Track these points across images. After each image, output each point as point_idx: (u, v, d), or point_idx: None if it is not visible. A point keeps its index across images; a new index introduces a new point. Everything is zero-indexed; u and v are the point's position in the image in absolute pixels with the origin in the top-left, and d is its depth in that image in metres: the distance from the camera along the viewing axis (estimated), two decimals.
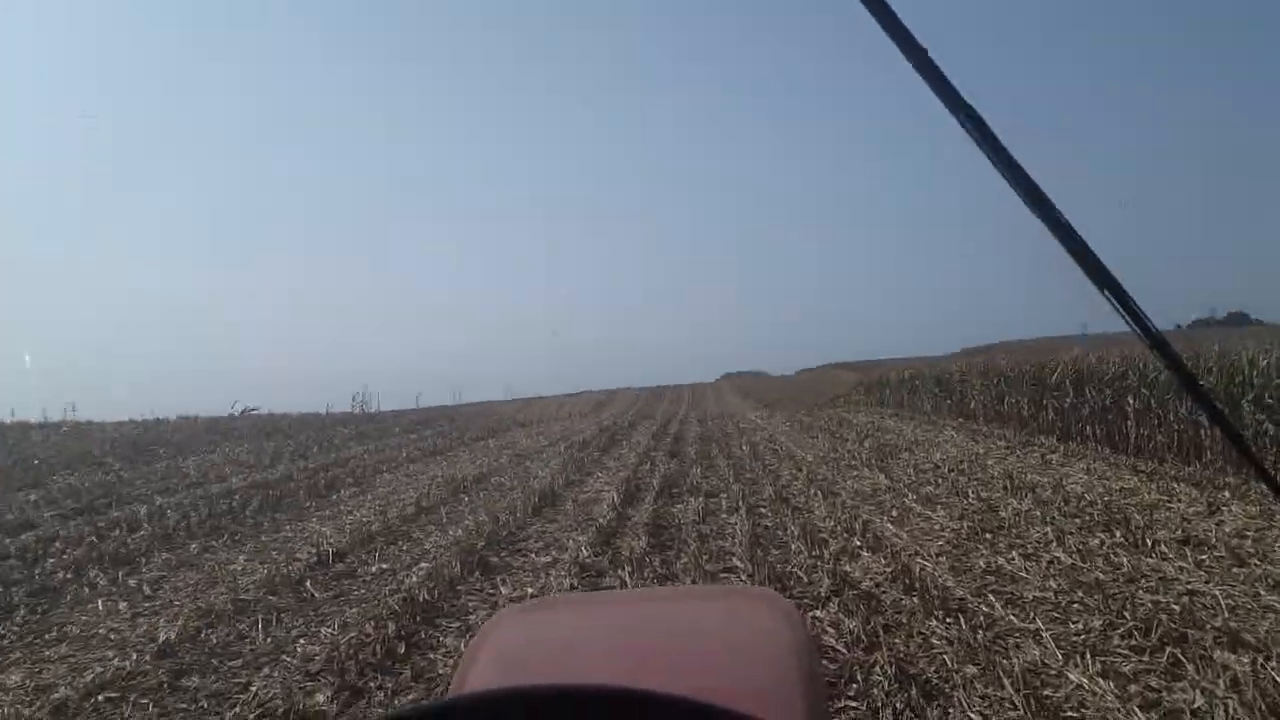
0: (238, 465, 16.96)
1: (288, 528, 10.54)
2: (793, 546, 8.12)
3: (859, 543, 8.06)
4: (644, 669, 1.23)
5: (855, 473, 12.92)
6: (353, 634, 6.01)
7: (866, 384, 34.47)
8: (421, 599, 6.66)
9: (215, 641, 6.14)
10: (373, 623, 6.18)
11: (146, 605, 7.20)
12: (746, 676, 1.22)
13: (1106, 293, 1.17)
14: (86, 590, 7.72)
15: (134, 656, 5.76)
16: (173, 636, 6.15)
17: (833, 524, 9.12)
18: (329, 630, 6.23)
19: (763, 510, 10.19)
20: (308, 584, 7.54)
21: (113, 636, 6.41)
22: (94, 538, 9.81)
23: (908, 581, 6.56)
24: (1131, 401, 13.41)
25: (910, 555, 7.53)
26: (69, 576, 8.15)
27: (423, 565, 8.13)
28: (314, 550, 8.83)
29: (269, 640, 6.12)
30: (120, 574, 8.21)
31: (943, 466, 12.83)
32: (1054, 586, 6.31)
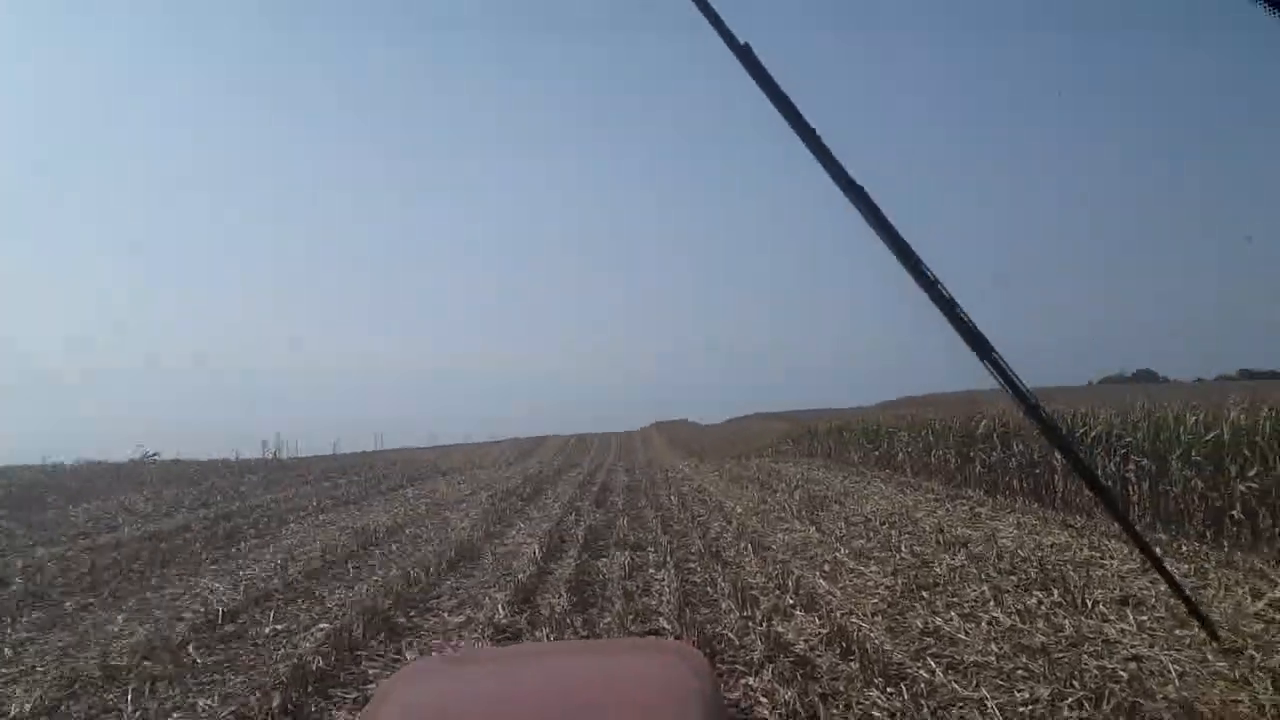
0: (132, 514, 15.87)
1: (177, 583, 9.70)
2: (723, 605, 7.68)
3: (791, 601, 7.67)
4: None
5: (786, 525, 12.58)
6: (234, 707, 5.37)
7: (795, 434, 34.43)
8: (316, 666, 6.02)
9: (76, 716, 5.42)
10: (258, 694, 5.54)
11: (4, 671, 6.39)
12: None
13: (986, 363, 1.33)
14: None
15: None
16: (27, 710, 5.42)
17: (764, 580, 8.72)
18: (207, 703, 5.56)
19: (692, 565, 9.75)
20: (190, 648, 6.80)
21: None
22: None
23: (844, 644, 6.17)
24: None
25: (845, 614, 7.17)
26: None
27: (322, 626, 7.46)
28: (202, 609, 8.08)
29: (138, 714, 5.42)
30: None
31: (874, 519, 12.58)
32: (996, 650, 5.99)
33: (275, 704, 5.25)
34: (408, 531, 13.64)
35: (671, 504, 16.20)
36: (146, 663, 6.46)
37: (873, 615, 7.18)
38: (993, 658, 5.86)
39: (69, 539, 12.82)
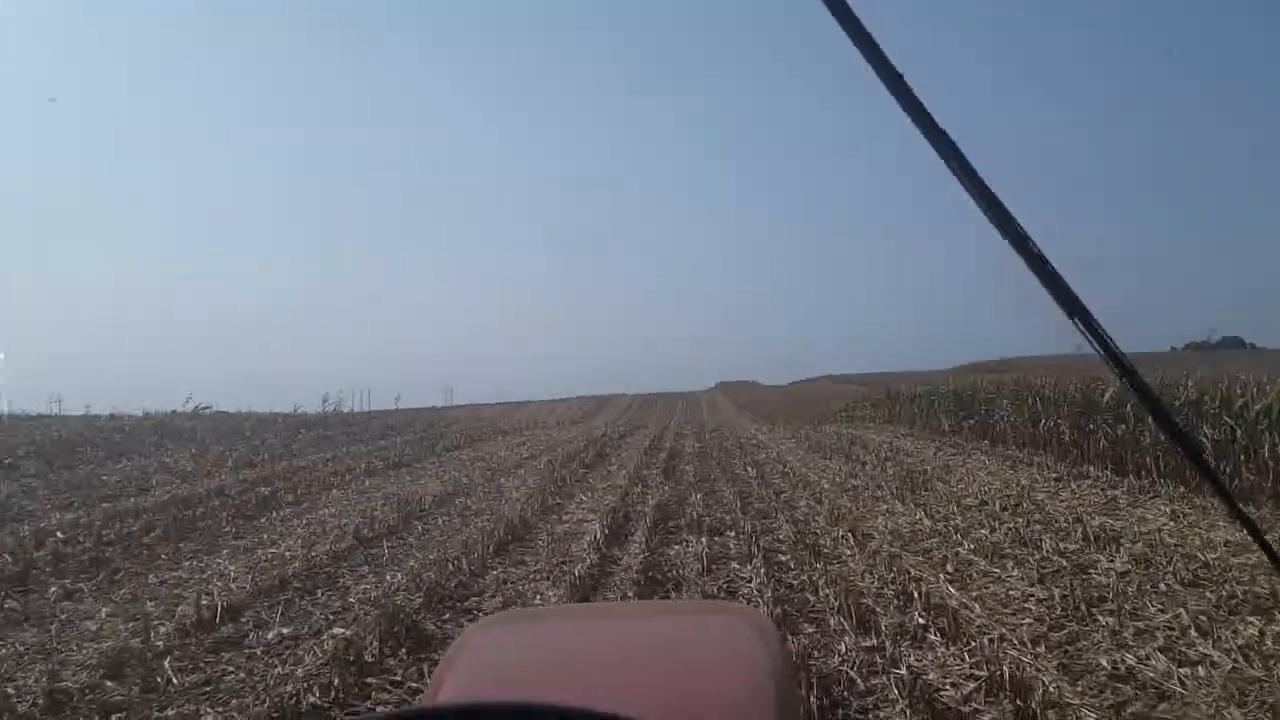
0: (169, 474, 14.84)
1: (188, 563, 8.45)
2: (832, 622, 6.06)
3: (921, 619, 6.01)
4: (615, 685, 1.25)
5: (885, 506, 10.87)
6: None
7: (872, 398, 32.46)
8: (306, 704, 4.59)
9: None
10: None
11: None
12: (718, 693, 1.23)
13: (1076, 321, 1.12)
14: None
15: None
16: None
17: (876, 584, 7.08)
18: None
19: (783, 558, 8.16)
20: (168, 661, 5.46)
21: None
22: None
23: (1016, 699, 4.50)
24: (1209, 432, 11.41)
25: (996, 641, 5.50)
26: None
27: (336, 631, 6.06)
28: (203, 602, 6.74)
29: None
30: None
31: (990, 503, 10.80)
32: (1236, 718, 4.28)
33: None
34: (457, 502, 12.29)
35: (749, 476, 14.59)
36: (108, 683, 5.13)
37: (1034, 644, 5.50)
38: None
39: (91, 503, 11.76)
